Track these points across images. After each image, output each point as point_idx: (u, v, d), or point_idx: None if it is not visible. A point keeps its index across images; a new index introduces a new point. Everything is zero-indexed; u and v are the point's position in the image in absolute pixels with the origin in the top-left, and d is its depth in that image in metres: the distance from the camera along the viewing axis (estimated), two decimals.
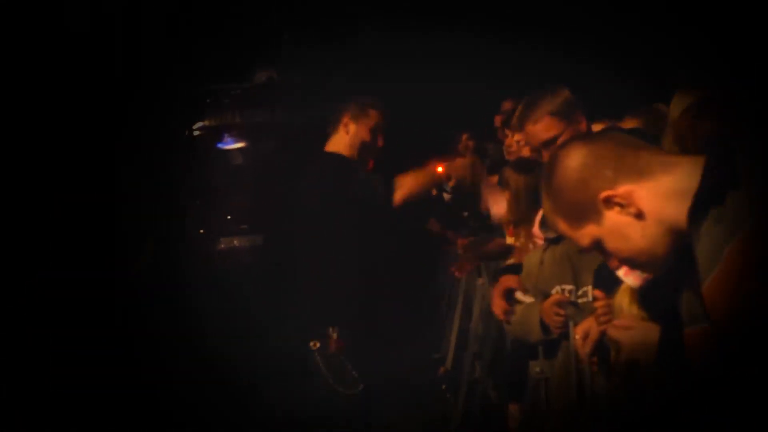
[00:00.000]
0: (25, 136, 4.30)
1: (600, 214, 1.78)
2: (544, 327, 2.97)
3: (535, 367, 3.18)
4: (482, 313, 4.74)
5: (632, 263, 1.87)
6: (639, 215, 1.75)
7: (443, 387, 5.09)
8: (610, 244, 1.81)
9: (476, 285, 4.84)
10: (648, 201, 1.74)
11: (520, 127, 3.29)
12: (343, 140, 3.70)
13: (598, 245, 1.84)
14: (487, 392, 4.47)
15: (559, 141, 3.16)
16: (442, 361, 5.31)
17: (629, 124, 3.98)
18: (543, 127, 3.15)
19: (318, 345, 3.44)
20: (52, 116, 4.45)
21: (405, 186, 3.59)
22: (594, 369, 2.58)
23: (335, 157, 3.69)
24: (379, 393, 3.72)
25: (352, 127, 3.70)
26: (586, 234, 1.83)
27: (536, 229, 3.55)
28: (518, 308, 3.20)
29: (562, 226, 1.87)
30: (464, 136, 5.93)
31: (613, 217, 1.77)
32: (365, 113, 3.71)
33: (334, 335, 3.44)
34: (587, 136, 2.16)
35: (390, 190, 3.56)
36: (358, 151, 3.69)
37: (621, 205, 1.75)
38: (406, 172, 3.67)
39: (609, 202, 1.75)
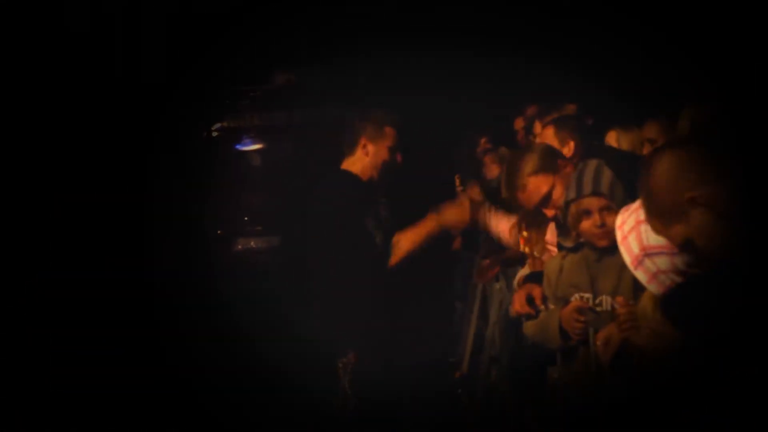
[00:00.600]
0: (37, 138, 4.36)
1: (687, 214, 1.90)
2: (564, 333, 2.99)
3: (554, 373, 3.22)
4: (499, 318, 4.75)
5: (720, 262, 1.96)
6: (722, 215, 1.87)
7: (459, 391, 5.10)
8: (700, 242, 1.92)
9: (494, 289, 4.84)
10: (729, 201, 1.86)
11: (510, 197, 3.34)
12: (361, 161, 3.71)
13: (689, 245, 1.94)
14: (503, 397, 4.47)
15: (555, 193, 3.22)
16: (458, 365, 5.32)
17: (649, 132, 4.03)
18: (532, 190, 3.23)
19: (344, 362, 3.49)
20: (62, 116, 4.50)
21: (401, 250, 3.61)
22: (614, 375, 2.61)
23: (351, 177, 3.69)
24: (394, 396, 3.73)
25: (371, 148, 3.69)
26: (677, 234, 1.94)
27: (549, 236, 3.61)
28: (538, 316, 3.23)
29: (657, 227, 2.00)
30: (482, 140, 5.95)
31: (698, 216, 1.89)
32: (382, 133, 3.71)
33: (352, 356, 3.49)
34: (676, 142, 2.24)
35: (387, 252, 3.59)
36: (379, 171, 3.70)
37: (705, 206, 1.87)
38: (405, 230, 3.67)
39: (694, 203, 1.88)
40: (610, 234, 2.85)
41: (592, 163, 2.92)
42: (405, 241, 3.63)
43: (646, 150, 3.89)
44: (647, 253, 2.15)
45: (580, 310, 2.89)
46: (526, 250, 3.66)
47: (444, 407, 4.98)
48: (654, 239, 2.11)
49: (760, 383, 1.85)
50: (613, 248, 2.84)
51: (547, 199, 3.22)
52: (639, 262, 2.18)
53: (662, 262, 2.14)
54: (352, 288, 3.57)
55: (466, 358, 5.25)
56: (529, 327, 3.28)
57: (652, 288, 2.20)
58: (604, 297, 2.91)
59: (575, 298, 2.97)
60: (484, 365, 4.92)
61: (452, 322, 5.88)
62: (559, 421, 3.12)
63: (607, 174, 2.86)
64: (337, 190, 3.67)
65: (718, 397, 1.93)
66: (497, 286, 4.74)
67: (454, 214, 3.70)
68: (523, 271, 3.76)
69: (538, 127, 4.37)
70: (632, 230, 2.19)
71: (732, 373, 1.90)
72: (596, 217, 2.86)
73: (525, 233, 3.67)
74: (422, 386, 4.69)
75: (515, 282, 3.92)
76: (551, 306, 3.14)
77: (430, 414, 4.81)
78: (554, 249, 3.58)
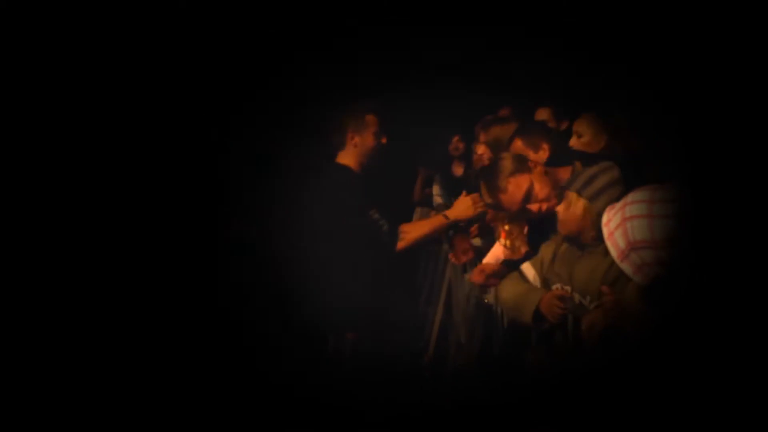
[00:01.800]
0: None
1: None
2: (537, 315, 3.15)
3: (529, 356, 3.39)
4: (468, 307, 4.91)
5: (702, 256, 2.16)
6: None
7: (426, 375, 5.22)
8: None
9: (463, 280, 4.96)
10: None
11: (495, 202, 3.55)
12: (352, 153, 3.95)
13: None
14: (472, 381, 4.58)
15: (535, 189, 3.44)
16: (425, 349, 5.48)
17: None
18: (513, 190, 3.45)
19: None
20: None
21: (408, 237, 3.88)
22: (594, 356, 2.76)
23: (347, 171, 3.93)
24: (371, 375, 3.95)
25: (358, 140, 3.94)
26: None
27: (526, 230, 3.80)
28: (518, 287, 3.36)
29: None
30: (455, 138, 6.18)
31: None
32: (364, 122, 3.95)
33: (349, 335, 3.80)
34: None
35: (395, 239, 3.84)
36: (369, 157, 3.95)
37: None
38: (412, 222, 4.01)
39: None
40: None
41: (590, 170, 3.10)
42: (413, 231, 3.89)
43: (573, 142, 4.10)
44: (633, 247, 2.27)
45: (561, 298, 3.05)
46: (507, 243, 3.85)
47: (412, 390, 5.12)
48: (640, 235, 2.24)
49: (737, 365, 2.06)
50: (587, 245, 3.06)
51: (529, 197, 3.44)
52: (625, 256, 2.31)
53: (647, 256, 2.25)
54: (354, 274, 3.82)
55: (432, 343, 5.44)
56: (506, 291, 3.43)
57: (637, 279, 2.32)
58: (576, 295, 3.07)
59: (556, 287, 3.14)
60: (451, 351, 5.12)
61: (419, 306, 5.99)
62: (532, 401, 3.22)
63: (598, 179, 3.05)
64: (338, 184, 3.89)
65: (695, 378, 2.13)
66: (467, 276, 4.80)
67: (460, 209, 3.95)
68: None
69: (482, 135, 4.61)
70: (618, 227, 2.31)
71: (708, 355, 2.10)
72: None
73: (507, 227, 3.86)
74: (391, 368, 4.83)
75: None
76: (532, 273, 3.32)
77: (398, 397, 4.96)
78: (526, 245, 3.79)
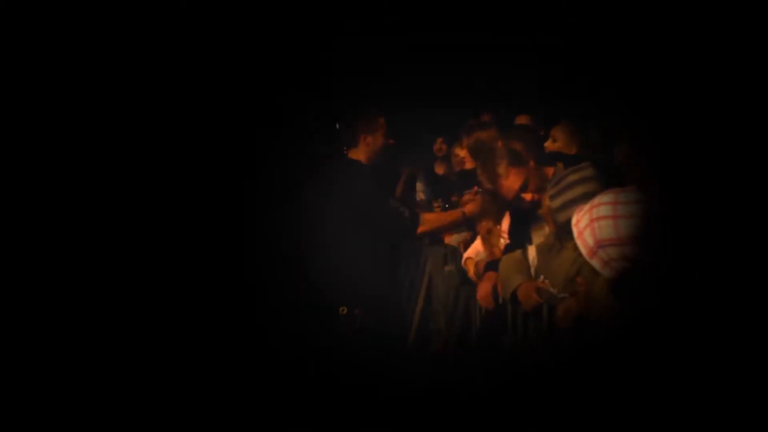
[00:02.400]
0: None
1: None
2: (515, 298, 3.27)
3: (507, 340, 3.50)
4: (448, 298, 5.09)
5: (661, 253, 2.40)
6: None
7: (408, 360, 5.29)
8: None
9: (444, 272, 5.18)
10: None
11: (494, 188, 3.77)
12: (364, 151, 4.33)
13: None
14: (452, 368, 4.74)
15: (530, 187, 3.66)
16: (406, 334, 5.60)
17: None
18: (513, 179, 3.68)
19: (345, 311, 4.14)
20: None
21: (428, 223, 4.31)
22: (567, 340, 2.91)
23: (362, 166, 4.30)
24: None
25: (370, 139, 4.32)
26: None
27: (505, 226, 4.02)
28: (510, 268, 3.42)
29: None
30: (439, 140, 6.44)
31: None
32: (376, 124, 4.34)
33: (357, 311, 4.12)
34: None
35: (416, 224, 4.22)
36: (378, 155, 4.34)
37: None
38: (432, 212, 4.42)
39: None
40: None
41: (566, 171, 3.22)
42: (434, 220, 4.35)
43: (547, 144, 4.32)
44: (601, 245, 2.45)
45: (539, 291, 3.13)
46: (486, 239, 4.07)
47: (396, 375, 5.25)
48: (606, 234, 2.43)
49: (703, 351, 2.24)
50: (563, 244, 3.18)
51: (525, 187, 3.65)
52: (594, 253, 2.49)
53: (613, 252, 2.44)
54: (370, 255, 4.20)
55: (413, 329, 5.64)
56: (503, 264, 3.49)
57: (606, 273, 2.50)
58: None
59: (541, 279, 3.22)
60: (433, 338, 5.33)
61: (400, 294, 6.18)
62: (510, 383, 3.32)
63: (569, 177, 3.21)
64: (356, 174, 4.27)
65: (656, 361, 2.28)
66: (447, 268, 5.07)
67: (471, 206, 4.33)
68: (481, 257, 4.13)
69: (464, 139, 4.85)
70: (587, 227, 2.49)
71: (668, 339, 2.29)
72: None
73: (484, 223, 4.10)
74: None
75: (471, 265, 4.25)
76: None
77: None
78: (506, 238, 3.99)
